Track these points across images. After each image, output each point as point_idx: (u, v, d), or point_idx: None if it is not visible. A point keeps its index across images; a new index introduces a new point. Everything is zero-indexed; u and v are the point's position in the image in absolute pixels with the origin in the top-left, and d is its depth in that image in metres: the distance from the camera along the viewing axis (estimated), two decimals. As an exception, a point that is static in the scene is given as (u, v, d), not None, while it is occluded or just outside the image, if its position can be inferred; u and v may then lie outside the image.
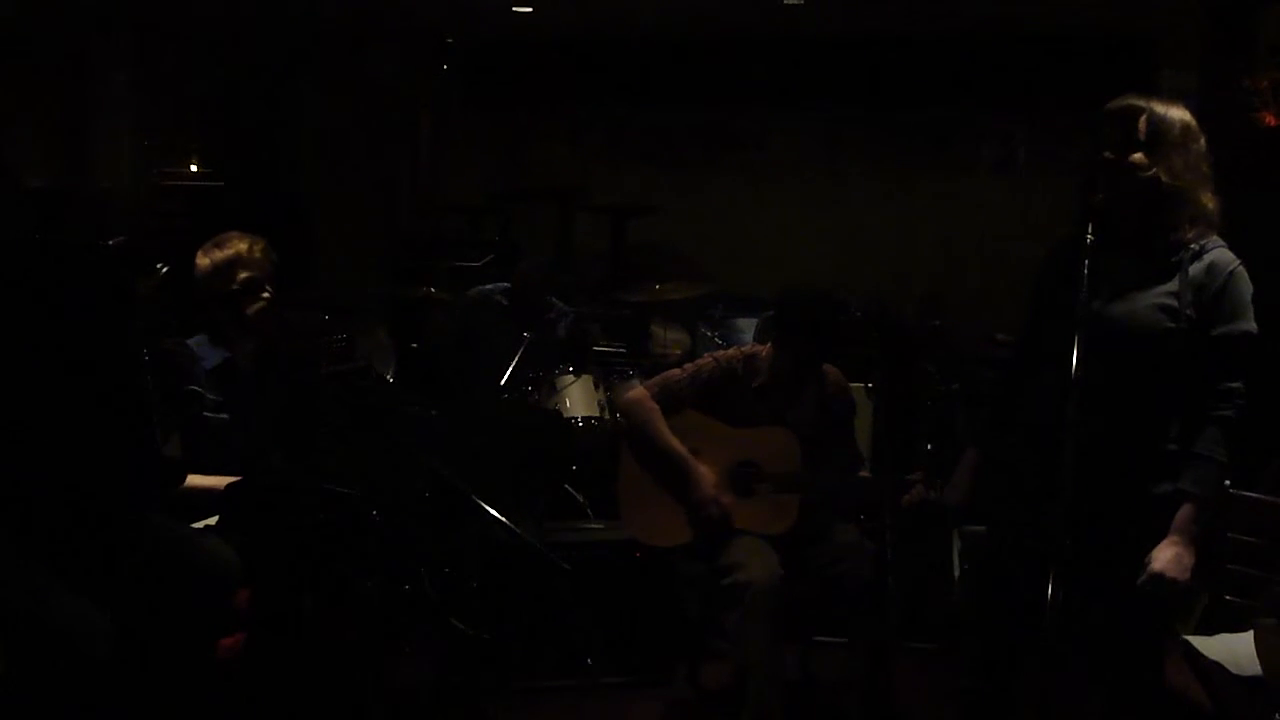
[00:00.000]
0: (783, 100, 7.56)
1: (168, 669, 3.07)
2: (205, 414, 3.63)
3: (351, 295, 6.71)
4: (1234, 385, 2.81)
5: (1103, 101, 2.98)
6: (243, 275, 3.75)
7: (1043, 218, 6.79)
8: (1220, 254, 2.85)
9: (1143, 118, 2.86)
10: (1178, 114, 2.88)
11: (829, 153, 7.76)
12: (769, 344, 4.17)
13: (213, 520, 3.48)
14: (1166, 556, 2.76)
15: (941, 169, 7.54)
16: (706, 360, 4.22)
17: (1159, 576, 2.76)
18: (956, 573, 4.76)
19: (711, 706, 4.27)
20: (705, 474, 3.99)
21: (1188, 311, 2.82)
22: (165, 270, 3.39)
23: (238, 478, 3.56)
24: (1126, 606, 2.86)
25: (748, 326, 6.59)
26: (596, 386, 5.41)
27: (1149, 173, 2.84)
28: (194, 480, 3.47)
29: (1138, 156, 2.85)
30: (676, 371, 4.23)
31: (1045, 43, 7.08)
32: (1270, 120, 5.46)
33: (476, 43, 7.84)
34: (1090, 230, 2.81)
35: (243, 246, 3.77)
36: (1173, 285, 2.84)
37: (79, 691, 2.74)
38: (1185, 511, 2.79)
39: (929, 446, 5.42)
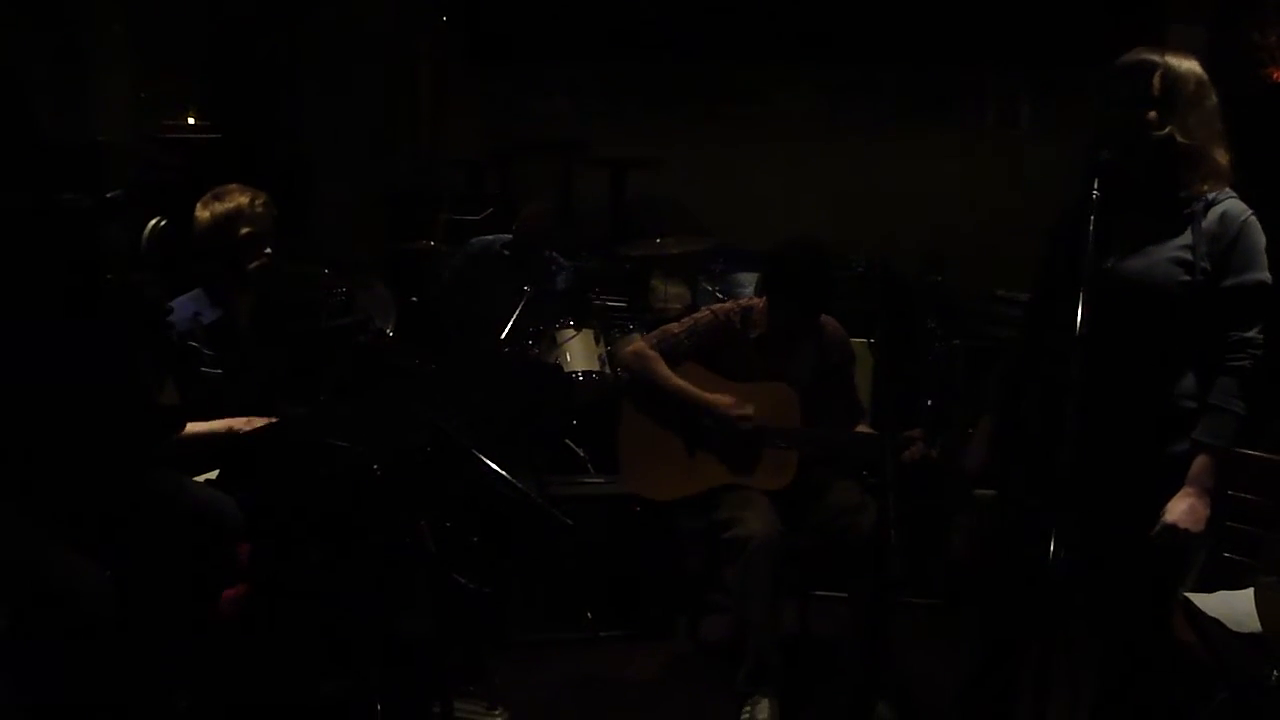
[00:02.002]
0: (785, 54, 7.50)
1: (169, 621, 3.08)
2: (202, 369, 3.62)
3: (351, 248, 6.68)
4: (1248, 335, 2.78)
5: (1109, 57, 2.94)
6: (243, 230, 3.73)
7: (1045, 174, 6.75)
8: (1232, 204, 2.82)
9: (1157, 74, 2.80)
10: (1192, 69, 2.83)
11: (831, 107, 7.69)
12: (765, 296, 4.17)
13: (213, 474, 3.48)
14: (1181, 508, 2.76)
15: (944, 123, 7.48)
16: (704, 314, 4.22)
17: (1172, 528, 2.75)
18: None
19: (711, 660, 4.30)
20: (720, 396, 3.99)
21: (1203, 264, 2.79)
22: (163, 223, 3.37)
23: (235, 418, 3.57)
24: (1141, 565, 2.85)
25: (749, 280, 6.57)
26: (597, 340, 5.40)
27: (1163, 131, 2.80)
28: (194, 427, 3.46)
29: (1151, 115, 2.80)
30: (674, 325, 4.22)
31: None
32: (1279, 76, 5.42)
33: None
34: (1096, 187, 2.78)
35: (244, 200, 3.74)
36: (1186, 239, 2.81)
37: (80, 645, 2.74)
38: (1200, 463, 2.78)
39: (929, 402, 5.41)
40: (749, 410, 3.98)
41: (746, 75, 7.72)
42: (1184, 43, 4.05)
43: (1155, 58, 2.83)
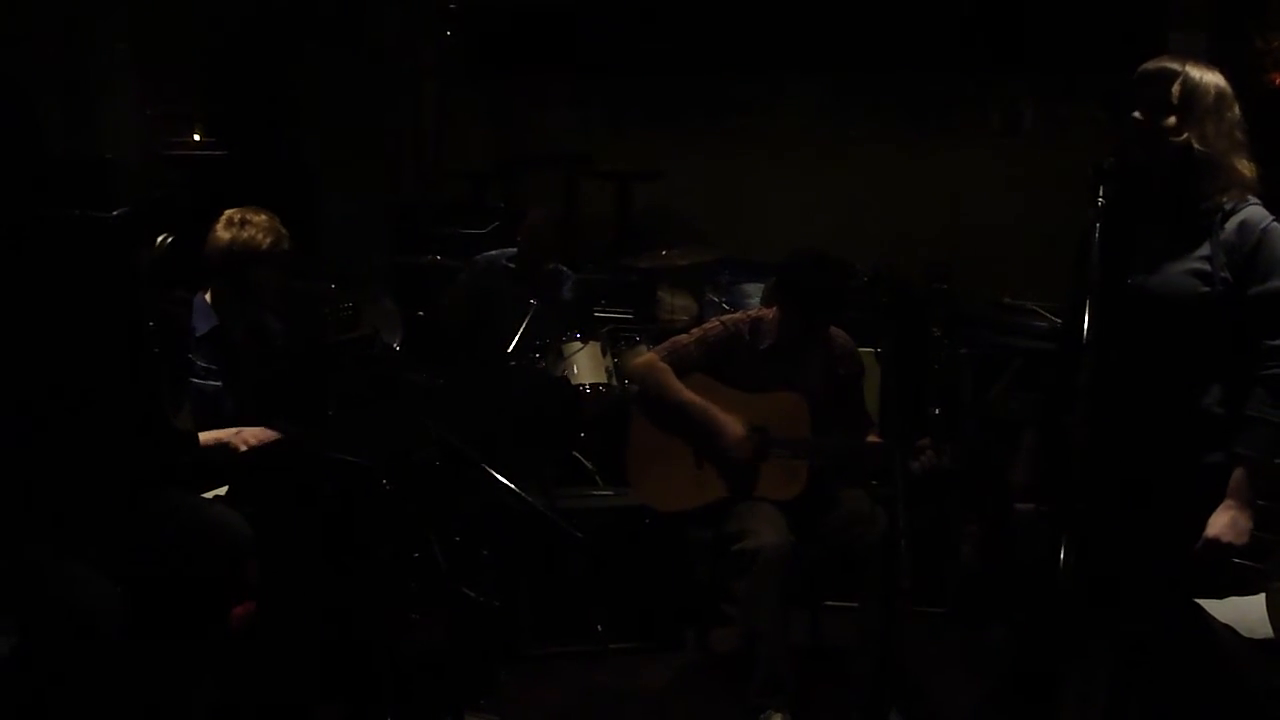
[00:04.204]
0: (788, 64, 7.51)
1: (179, 638, 3.08)
2: (193, 379, 3.63)
3: (357, 263, 6.69)
4: (1278, 343, 2.74)
5: (1111, 63, 2.95)
6: (256, 269, 3.74)
7: (1050, 180, 6.75)
8: (1252, 212, 2.80)
9: (1177, 81, 2.81)
10: (1213, 79, 2.83)
11: (835, 116, 7.69)
12: (775, 307, 4.17)
13: (222, 490, 3.48)
14: (1223, 521, 2.74)
15: (948, 132, 7.47)
16: (714, 324, 4.22)
17: (1214, 542, 2.73)
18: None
19: (721, 672, 4.29)
20: (728, 418, 4.00)
21: (1222, 274, 2.77)
22: (169, 240, 3.38)
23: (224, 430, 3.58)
24: (1176, 575, 2.84)
25: (755, 291, 6.56)
26: (604, 353, 5.40)
27: (1180, 138, 2.80)
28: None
29: (1169, 121, 2.80)
30: (684, 336, 4.23)
31: (1054, 4, 7.01)
32: (1280, 81, 5.43)
33: (480, 7, 7.78)
34: (1101, 194, 2.78)
35: (265, 241, 3.73)
36: (1204, 250, 2.80)
37: (91, 663, 2.75)
38: (1239, 475, 2.75)
39: (936, 411, 5.41)
40: (748, 442, 3.99)
41: (750, 85, 7.73)
42: (1185, 49, 4.07)
43: (1176, 66, 2.83)
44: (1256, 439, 2.75)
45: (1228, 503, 2.75)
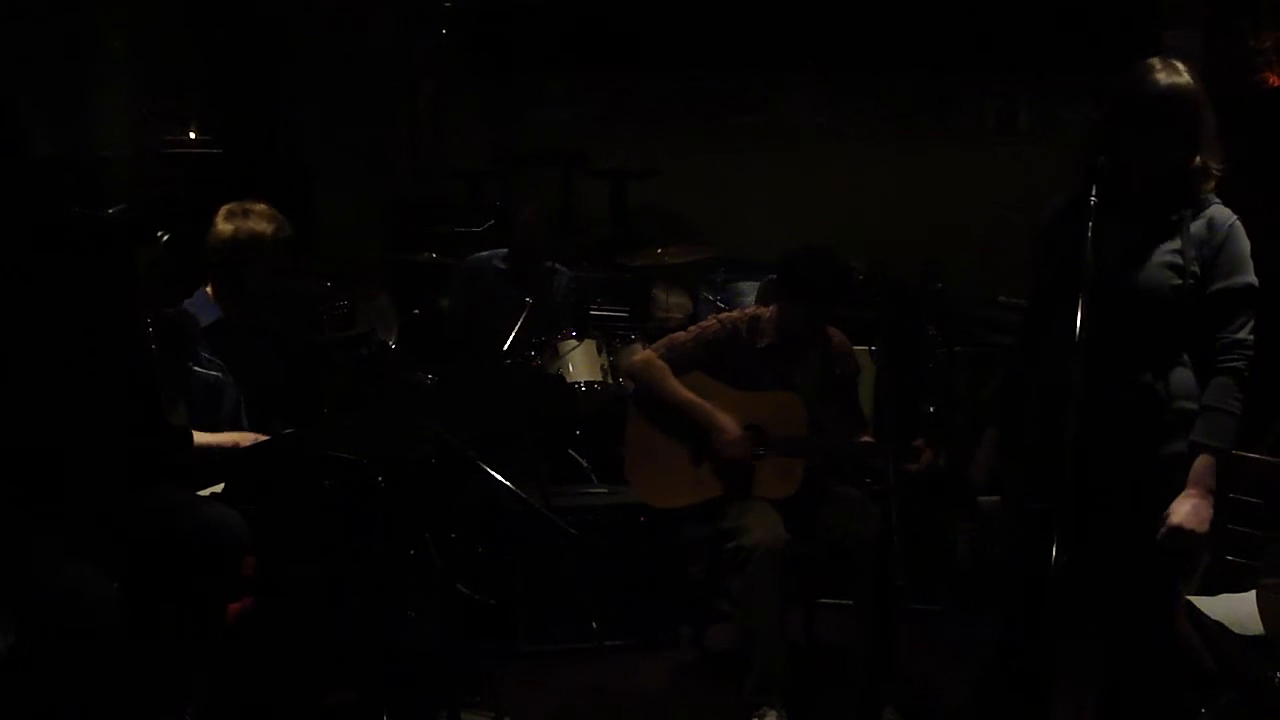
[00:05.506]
0: (784, 62, 7.51)
1: (176, 635, 3.09)
2: (195, 369, 3.64)
3: (352, 261, 6.69)
4: (1239, 337, 2.81)
5: (1107, 63, 2.96)
6: (256, 258, 3.76)
7: (1045, 180, 6.75)
8: (1218, 210, 2.87)
9: (1193, 107, 2.80)
10: (1200, 88, 2.82)
11: (831, 115, 7.70)
12: (773, 306, 4.18)
13: (219, 487, 3.49)
14: (1184, 509, 2.76)
15: (943, 131, 7.49)
16: (711, 321, 4.23)
17: (1177, 529, 2.76)
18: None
19: (717, 670, 4.30)
20: (725, 416, 4.00)
21: (1193, 268, 2.82)
22: (166, 238, 3.38)
23: (239, 433, 3.60)
24: (1140, 566, 2.87)
25: (750, 290, 6.57)
26: (599, 351, 5.41)
27: (1194, 163, 2.83)
28: (199, 438, 3.47)
29: (1171, 140, 2.81)
30: (682, 334, 4.24)
31: (1048, 3, 7.02)
32: (1275, 81, 5.43)
33: (475, 6, 7.78)
34: (1094, 192, 2.80)
35: (267, 230, 3.76)
36: (1176, 243, 2.85)
37: (89, 660, 2.75)
38: (1201, 464, 2.79)
39: (930, 409, 5.42)
40: (745, 441, 4.00)
41: (745, 84, 7.73)
42: (1179, 47, 4.08)
43: (1188, 93, 2.80)
44: (1215, 428, 2.80)
45: (1189, 491, 2.79)
